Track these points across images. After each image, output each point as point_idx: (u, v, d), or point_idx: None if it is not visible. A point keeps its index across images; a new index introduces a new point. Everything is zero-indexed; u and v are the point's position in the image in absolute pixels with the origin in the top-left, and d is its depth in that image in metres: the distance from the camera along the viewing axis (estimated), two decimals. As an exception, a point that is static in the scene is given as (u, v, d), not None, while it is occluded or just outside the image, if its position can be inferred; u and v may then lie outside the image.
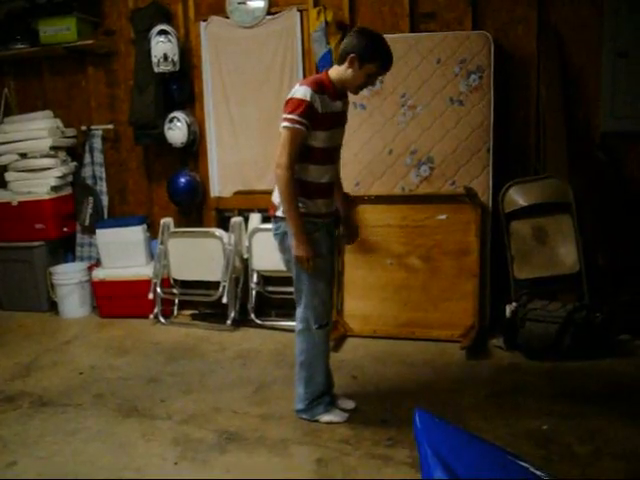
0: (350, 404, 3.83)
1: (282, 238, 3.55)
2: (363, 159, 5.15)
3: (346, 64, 3.37)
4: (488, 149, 4.87)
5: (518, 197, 4.84)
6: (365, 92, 5.00)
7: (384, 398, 3.95)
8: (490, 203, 4.88)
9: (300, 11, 5.35)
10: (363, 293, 5.09)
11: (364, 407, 3.83)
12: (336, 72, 3.43)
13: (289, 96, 3.36)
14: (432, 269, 4.94)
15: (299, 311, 3.61)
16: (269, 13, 5.43)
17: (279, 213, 3.49)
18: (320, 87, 3.34)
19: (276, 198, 3.50)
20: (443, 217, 4.92)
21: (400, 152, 5.07)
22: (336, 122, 3.47)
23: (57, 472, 3.31)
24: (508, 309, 4.64)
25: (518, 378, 4.15)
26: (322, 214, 3.52)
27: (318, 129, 3.34)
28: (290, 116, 3.29)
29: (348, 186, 5.11)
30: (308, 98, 3.27)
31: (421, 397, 3.90)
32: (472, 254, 4.83)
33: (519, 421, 3.56)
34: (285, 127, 3.31)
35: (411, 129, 5.04)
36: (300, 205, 3.39)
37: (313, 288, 3.51)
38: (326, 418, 3.67)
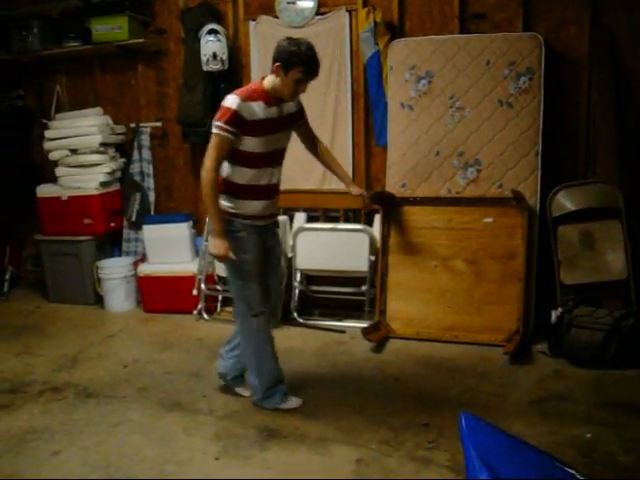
0: (248, 391, 4.02)
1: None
2: (410, 160, 5.13)
3: (275, 72, 3.54)
4: (537, 152, 4.81)
5: (567, 201, 4.77)
6: (413, 93, 5.05)
7: (426, 401, 3.92)
8: (537, 207, 4.82)
9: (349, 11, 5.36)
10: (407, 295, 5.07)
11: (405, 409, 3.82)
12: (268, 81, 3.60)
13: (220, 104, 3.55)
14: (477, 272, 4.90)
15: (234, 304, 3.88)
16: (318, 13, 5.45)
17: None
18: (250, 95, 3.52)
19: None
20: (489, 220, 4.88)
21: (447, 154, 5.03)
22: (274, 128, 3.63)
23: (100, 462, 3.36)
24: (554, 315, 4.57)
25: (562, 385, 4.09)
26: (254, 216, 3.70)
27: (248, 135, 3.52)
28: (217, 123, 3.49)
29: (394, 187, 5.12)
30: (234, 107, 3.45)
31: (463, 401, 3.87)
32: (518, 258, 4.77)
33: (563, 428, 3.51)
34: (213, 133, 3.52)
35: (459, 131, 5.00)
36: (231, 205, 3.64)
37: (241, 282, 3.73)
38: (285, 405, 3.88)
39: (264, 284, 3.82)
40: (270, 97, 3.58)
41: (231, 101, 3.48)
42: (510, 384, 4.13)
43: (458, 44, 4.98)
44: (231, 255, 3.59)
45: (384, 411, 3.81)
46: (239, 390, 4.11)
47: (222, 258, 3.62)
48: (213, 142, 3.52)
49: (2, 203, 6.77)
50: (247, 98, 3.49)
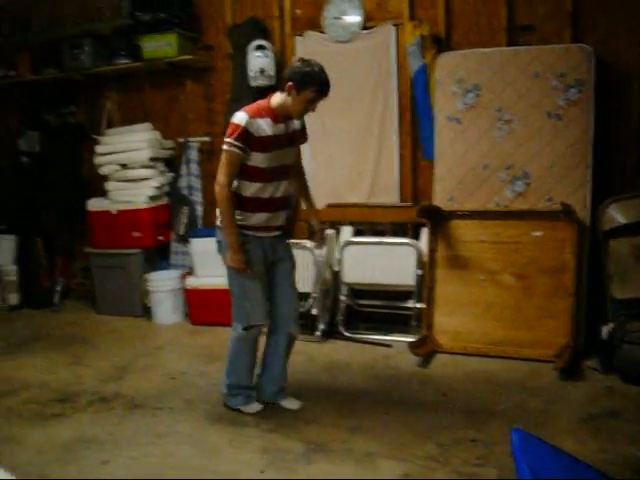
0: (295, 404, 4.11)
1: (219, 245, 3.90)
2: (457, 174, 5.10)
3: (286, 92, 3.65)
4: (587, 165, 4.74)
5: (618, 214, 4.67)
6: (460, 106, 5.03)
7: (474, 417, 3.87)
8: (588, 220, 4.74)
9: (395, 25, 5.36)
10: (454, 309, 5.02)
11: (453, 425, 3.77)
12: (277, 99, 3.73)
13: (230, 121, 3.69)
14: (526, 286, 4.83)
15: (232, 313, 3.97)
16: (364, 28, 5.47)
17: (218, 223, 3.84)
18: (257, 112, 3.66)
19: (218, 212, 3.83)
20: (538, 234, 4.81)
21: (495, 167, 4.99)
22: (280, 144, 3.75)
23: (147, 473, 3.39)
24: (605, 330, 4.47)
25: (614, 402, 3.99)
26: (262, 227, 3.85)
27: (256, 151, 3.65)
28: (227, 139, 3.64)
29: (441, 201, 5.09)
30: (243, 124, 3.60)
31: (512, 417, 3.80)
32: (568, 272, 4.69)
33: (615, 447, 3.42)
34: (223, 149, 3.67)
35: (507, 144, 4.96)
36: (239, 218, 3.76)
37: (242, 293, 3.86)
38: (246, 409, 4.05)
39: (268, 297, 3.94)
40: (277, 115, 3.71)
41: (240, 118, 3.63)
42: (560, 400, 4.04)
43: (506, 56, 4.94)
44: (246, 268, 3.77)
45: (431, 426, 3.76)
46: (285, 403, 4.12)
47: (239, 271, 3.77)
48: (224, 158, 3.68)
49: (54, 217, 6.94)
50: (255, 115, 3.64)
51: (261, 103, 3.76)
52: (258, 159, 3.68)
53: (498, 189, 4.99)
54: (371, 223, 5.63)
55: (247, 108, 3.69)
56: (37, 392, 4.59)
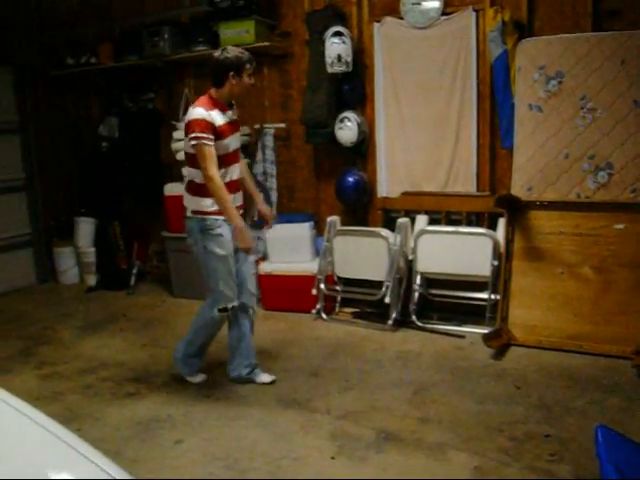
0: (267, 378, 4.36)
1: (189, 233, 4.19)
2: (537, 163, 4.98)
3: (229, 82, 4.01)
4: (675, 155, 4.56)
5: None
6: (542, 94, 4.90)
7: (548, 411, 3.79)
8: (674, 213, 4.57)
9: (476, 11, 5.25)
10: (530, 301, 4.91)
11: (526, 419, 3.70)
12: (217, 93, 4.08)
13: (187, 119, 4.01)
14: (605, 280, 4.68)
15: (208, 295, 4.24)
16: (444, 13, 5.37)
17: (188, 214, 4.17)
18: (210, 105, 4.00)
19: (186, 202, 4.19)
20: (621, 227, 4.65)
21: (577, 157, 4.85)
22: (232, 129, 4.13)
23: (219, 454, 3.44)
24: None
25: (697, 402, 3.85)
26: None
27: (219, 139, 3.98)
28: (196, 135, 3.90)
29: (519, 191, 4.99)
30: (204, 117, 3.92)
31: (588, 414, 3.71)
32: (651, 267, 4.53)
33: (699, 448, 3.30)
34: (197, 145, 3.92)
35: (590, 133, 4.80)
36: (206, 204, 4.05)
37: (218, 276, 4.09)
38: (190, 378, 4.40)
39: (236, 277, 4.21)
40: (222, 105, 4.07)
41: (199, 113, 3.94)
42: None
43: (591, 43, 4.77)
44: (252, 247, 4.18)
45: (504, 419, 3.71)
46: (261, 379, 4.35)
47: (250, 250, 4.19)
48: (201, 153, 3.93)
49: (132, 201, 7.09)
50: (209, 108, 3.98)
51: (206, 98, 4.08)
52: (222, 145, 4.01)
53: (580, 180, 4.85)
54: (447, 212, 5.54)
55: (200, 103, 4.02)
56: (114, 371, 4.72)
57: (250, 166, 6.41)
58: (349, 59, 5.55)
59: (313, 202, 6.28)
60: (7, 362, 5.00)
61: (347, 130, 5.66)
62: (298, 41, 6.12)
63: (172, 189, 6.48)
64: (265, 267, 6.00)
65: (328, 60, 5.58)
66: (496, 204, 4.93)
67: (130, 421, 3.88)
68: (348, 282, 5.79)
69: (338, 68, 5.57)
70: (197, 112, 3.94)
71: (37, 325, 5.92)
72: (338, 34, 5.55)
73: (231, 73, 3.98)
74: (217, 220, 4.06)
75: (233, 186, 4.14)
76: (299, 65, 6.13)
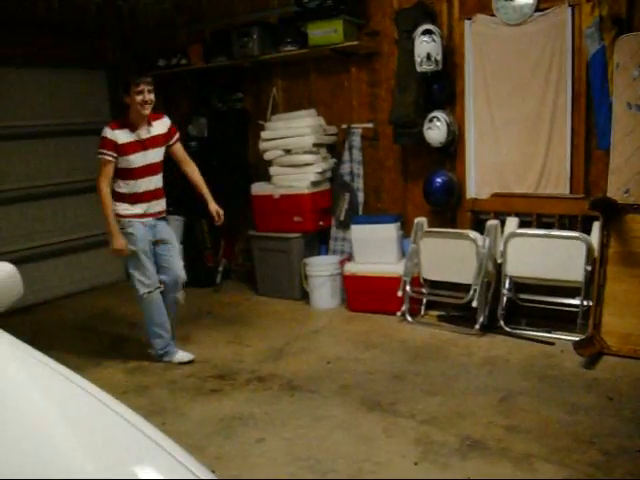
0: (186, 357, 4.91)
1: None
2: (635, 165, 4.75)
3: (127, 104, 4.66)
4: None
5: None
6: (642, 91, 4.66)
7: (644, 425, 3.61)
8: None
9: (572, 6, 5.06)
10: (625, 309, 4.69)
11: (619, 432, 3.53)
12: (129, 112, 4.70)
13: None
14: None
15: (132, 285, 4.85)
16: (537, 9, 5.21)
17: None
18: (119, 124, 4.68)
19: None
20: None
21: (678, 158, 4.62)
22: (144, 146, 4.72)
23: (301, 454, 3.43)
24: None
25: None
26: (142, 214, 4.77)
27: (124, 155, 4.63)
28: (99, 150, 4.63)
29: (616, 193, 4.80)
30: (107, 135, 4.62)
31: (688, 430, 3.52)
32: None
33: None
34: (98, 159, 4.63)
35: (693, 133, 4.57)
36: (123, 209, 4.71)
37: (133, 267, 4.78)
38: (165, 357, 4.91)
39: (158, 266, 4.87)
40: (133, 124, 4.68)
41: (104, 131, 4.64)
42: None
43: (696, 38, 4.55)
44: (127, 249, 4.67)
45: (595, 432, 3.55)
46: (179, 357, 4.90)
47: (121, 252, 4.69)
48: (99, 166, 4.62)
49: (220, 199, 7.15)
50: (115, 128, 4.64)
51: (120, 119, 4.76)
52: (128, 161, 4.63)
53: (681, 182, 4.62)
54: (538, 215, 5.36)
55: (111, 123, 4.71)
56: (199, 367, 4.78)
57: (337, 166, 6.41)
58: (439, 58, 5.45)
59: (400, 203, 6.20)
60: (95, 355, 5.16)
61: (436, 130, 5.56)
62: (387, 40, 6.06)
63: (259, 188, 6.54)
64: (350, 268, 5.96)
65: (417, 59, 5.49)
66: (591, 207, 4.74)
67: (213, 418, 3.92)
68: (434, 284, 5.69)
69: (427, 67, 5.48)
70: (103, 131, 4.64)
71: (123, 320, 6.08)
72: (428, 32, 5.45)
73: (124, 95, 4.66)
74: (130, 221, 4.70)
75: (142, 197, 4.75)
76: (388, 64, 6.07)
